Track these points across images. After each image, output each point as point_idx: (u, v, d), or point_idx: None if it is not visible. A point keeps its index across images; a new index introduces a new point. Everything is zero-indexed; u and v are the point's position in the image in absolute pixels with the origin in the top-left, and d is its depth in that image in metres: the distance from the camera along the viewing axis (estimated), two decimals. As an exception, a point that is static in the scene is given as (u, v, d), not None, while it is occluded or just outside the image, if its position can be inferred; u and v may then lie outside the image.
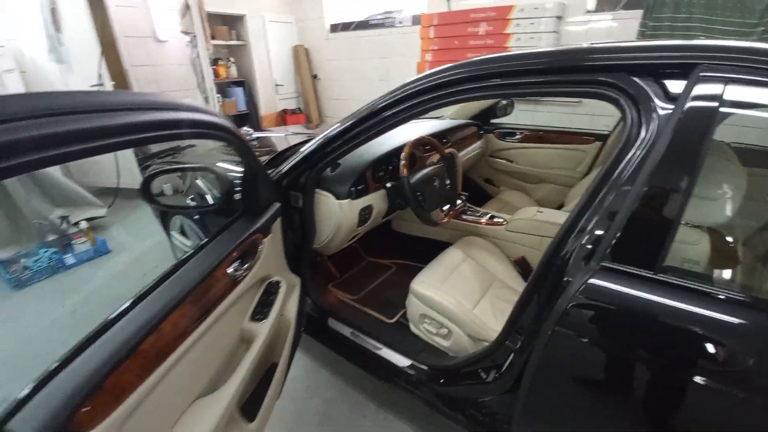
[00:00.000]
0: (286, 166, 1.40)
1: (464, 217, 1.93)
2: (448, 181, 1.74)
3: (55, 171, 3.11)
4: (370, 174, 1.56)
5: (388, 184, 1.58)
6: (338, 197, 1.43)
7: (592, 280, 0.82)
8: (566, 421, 0.96)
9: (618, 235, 0.81)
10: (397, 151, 1.63)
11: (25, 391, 0.56)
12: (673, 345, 0.75)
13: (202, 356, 0.89)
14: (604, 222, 0.85)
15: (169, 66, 4.40)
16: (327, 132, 1.31)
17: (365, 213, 1.52)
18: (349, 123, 1.25)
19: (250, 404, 1.09)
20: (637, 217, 0.80)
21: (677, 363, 0.76)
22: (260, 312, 1.10)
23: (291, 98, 6.02)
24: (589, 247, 0.87)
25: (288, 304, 1.30)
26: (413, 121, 1.93)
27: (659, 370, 0.78)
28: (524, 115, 2.67)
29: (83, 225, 2.94)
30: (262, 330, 1.05)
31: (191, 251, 0.96)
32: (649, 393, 0.79)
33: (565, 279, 0.89)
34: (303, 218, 1.43)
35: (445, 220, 1.72)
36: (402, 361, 1.43)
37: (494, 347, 1.14)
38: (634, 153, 0.84)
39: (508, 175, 2.56)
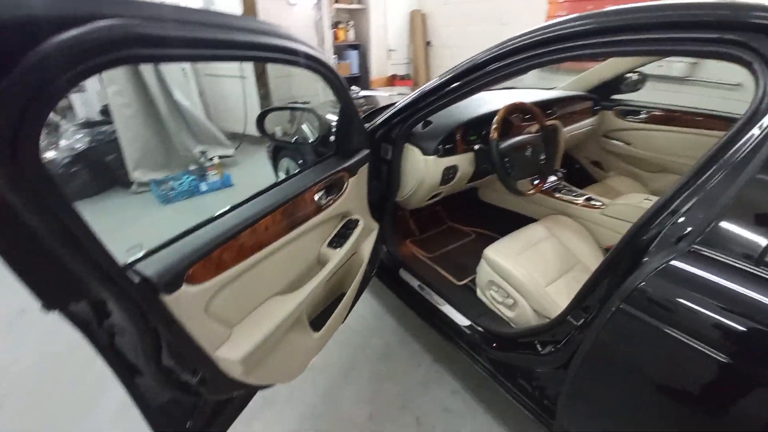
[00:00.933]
0: (380, 119, 1.48)
1: (557, 194, 1.81)
2: (543, 155, 1.65)
3: (200, 114, 3.73)
4: (461, 135, 1.56)
5: (476, 146, 1.56)
6: (425, 153, 1.47)
7: (675, 262, 0.74)
8: (613, 407, 0.91)
9: (722, 218, 0.71)
10: (492, 115, 1.59)
11: (154, 246, 0.76)
12: (758, 348, 0.66)
13: (284, 262, 1.05)
14: (707, 203, 0.75)
15: (295, 28, 4.80)
16: (424, 87, 1.34)
17: (449, 173, 1.54)
18: (448, 77, 1.26)
19: (318, 320, 1.25)
20: (751, 202, 0.69)
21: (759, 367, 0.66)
22: (336, 241, 1.23)
23: (402, 64, 6.08)
24: (682, 227, 0.78)
25: (363, 243, 1.42)
26: (520, 90, 1.84)
27: (734, 371, 0.69)
28: (659, 96, 2.29)
29: (216, 160, 3.51)
30: (336, 257, 1.18)
31: (289, 176, 1.12)
32: (715, 394, 0.71)
33: (644, 259, 0.82)
34: (390, 169, 1.51)
35: (531, 191, 1.64)
36: (461, 320, 1.47)
37: (556, 322, 1.10)
38: (763, 127, 0.71)
39: (622, 159, 2.28)
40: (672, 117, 2.04)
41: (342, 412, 1.51)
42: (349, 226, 1.28)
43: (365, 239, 1.42)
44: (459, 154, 1.55)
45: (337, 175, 1.19)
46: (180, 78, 3.59)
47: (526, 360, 1.21)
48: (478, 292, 1.59)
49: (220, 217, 0.88)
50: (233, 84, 4.21)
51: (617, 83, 2.19)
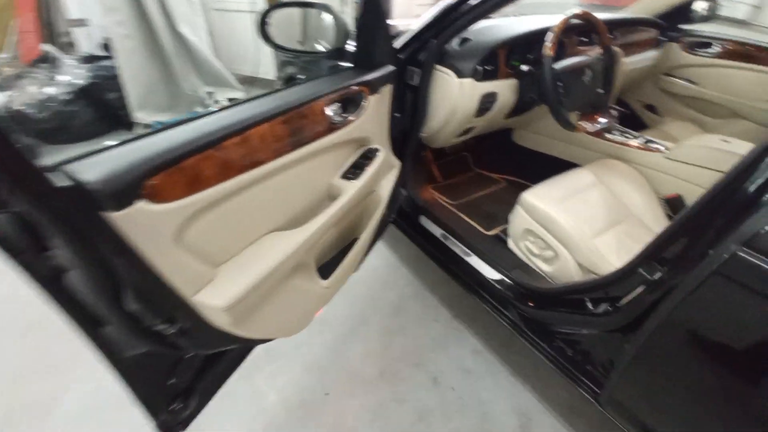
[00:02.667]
0: (405, 37, 1.22)
1: (608, 136, 1.54)
2: (600, 86, 1.37)
3: (208, 52, 3.45)
4: (503, 56, 1.29)
5: (525, 67, 1.29)
6: (460, 75, 1.22)
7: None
8: (700, 383, 0.72)
9: None
10: (542, 34, 1.30)
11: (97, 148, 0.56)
12: None
13: (286, 189, 0.86)
14: None
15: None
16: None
17: (487, 101, 1.28)
18: None
19: (326, 267, 1.08)
20: None
21: None
22: (352, 173, 1.03)
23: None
24: None
25: (382, 181, 1.21)
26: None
27: None
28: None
29: (224, 102, 3.28)
30: (350, 189, 0.98)
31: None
32: None
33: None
34: (417, 98, 1.27)
35: (588, 125, 1.38)
36: (491, 273, 1.28)
37: (621, 274, 0.90)
38: None
39: (684, 102, 1.96)
40: (750, 54, 1.70)
41: (351, 367, 1.38)
42: (367, 156, 1.07)
43: (385, 177, 1.22)
44: (501, 79, 1.29)
45: (355, 89, 0.96)
46: (186, 10, 3.29)
47: (571, 320, 1.02)
48: (510, 243, 1.38)
49: (197, 119, 0.67)
50: (243, 20, 3.88)
51: (687, 9, 1.83)
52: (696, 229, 0.73)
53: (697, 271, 0.65)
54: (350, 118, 0.97)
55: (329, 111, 0.90)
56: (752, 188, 0.63)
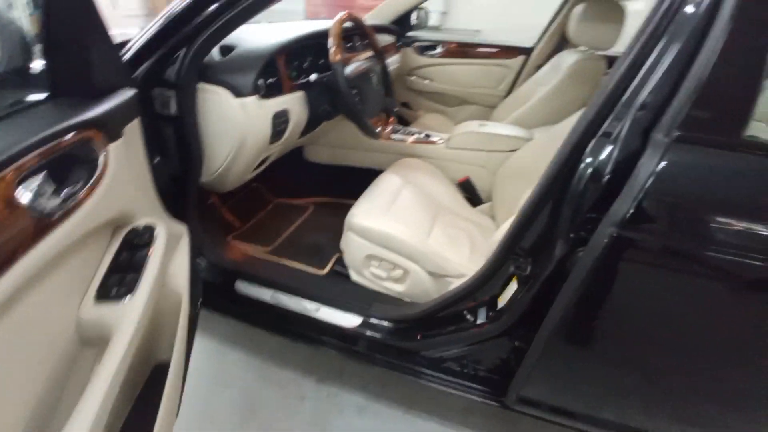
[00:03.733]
0: (136, 44, 0.82)
1: (394, 137, 1.58)
2: (383, 87, 1.35)
3: None
4: (284, 65, 1.06)
5: (312, 77, 1.10)
6: (238, 93, 0.92)
7: (669, 158, 0.56)
8: (608, 360, 0.76)
9: (701, 91, 0.56)
10: (317, 37, 1.15)
11: None
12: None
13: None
14: (670, 80, 0.59)
15: None
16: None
17: (281, 121, 1.04)
18: None
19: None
20: (727, 67, 0.55)
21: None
22: (118, 283, 0.59)
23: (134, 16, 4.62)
24: (649, 116, 0.61)
25: (173, 265, 0.79)
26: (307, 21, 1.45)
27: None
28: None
29: None
30: (126, 316, 0.55)
31: None
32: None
33: (614, 164, 0.63)
34: (181, 132, 0.89)
35: (388, 129, 1.34)
36: (351, 320, 1.08)
37: (488, 273, 0.86)
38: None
39: (426, 96, 2.27)
40: (465, 51, 2.11)
41: None
42: (136, 244, 0.65)
43: (174, 257, 0.80)
44: (287, 93, 1.06)
45: (73, 138, 0.53)
46: None
47: (453, 339, 0.95)
48: (353, 275, 1.22)
49: None
50: None
51: (408, 20, 2.10)
52: (551, 216, 0.75)
53: (582, 258, 0.64)
54: (79, 192, 0.54)
55: (26, 194, 0.45)
56: (591, 169, 0.65)
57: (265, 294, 1.14)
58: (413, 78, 2.21)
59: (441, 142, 1.56)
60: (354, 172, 1.65)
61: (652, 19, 0.62)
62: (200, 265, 1.12)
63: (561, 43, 1.88)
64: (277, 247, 1.38)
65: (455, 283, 1.11)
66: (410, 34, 2.16)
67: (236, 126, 0.93)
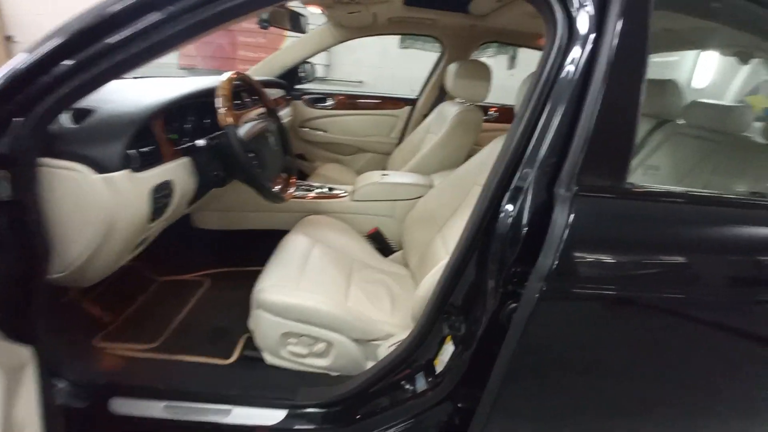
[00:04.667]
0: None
1: (296, 193, 1.50)
2: (273, 143, 1.26)
3: None
4: (161, 129, 0.90)
5: (200, 142, 0.95)
6: (102, 168, 0.73)
7: (576, 210, 0.60)
8: (552, 400, 0.76)
9: (588, 149, 0.62)
10: (197, 97, 1.03)
11: None
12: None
13: None
14: (561, 139, 0.65)
15: None
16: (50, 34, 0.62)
17: (163, 194, 0.87)
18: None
19: None
20: (605, 124, 0.63)
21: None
22: None
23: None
24: (549, 172, 0.66)
25: (17, 410, 0.56)
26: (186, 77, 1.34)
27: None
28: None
29: None
30: None
31: None
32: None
33: (529, 218, 0.65)
34: (20, 221, 0.67)
35: (291, 190, 1.23)
36: (272, 416, 0.91)
37: (420, 336, 0.82)
38: (576, 61, 0.66)
39: (322, 147, 2.25)
40: (355, 102, 2.17)
41: None
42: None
43: (17, 396, 0.56)
44: (169, 161, 0.90)
45: None
46: None
47: (395, 413, 0.86)
48: (268, 358, 1.06)
49: None
50: None
51: (295, 73, 2.09)
52: (477, 272, 0.74)
53: (517, 314, 0.64)
54: None
55: None
56: (508, 223, 0.67)
57: (155, 408, 0.90)
58: (306, 129, 2.18)
59: (345, 195, 1.53)
60: (253, 235, 1.49)
61: (537, 83, 0.69)
62: (59, 391, 0.84)
63: (441, 95, 2.07)
64: (166, 340, 1.13)
65: (383, 346, 1.04)
66: (299, 86, 2.14)
67: (101, 208, 0.73)
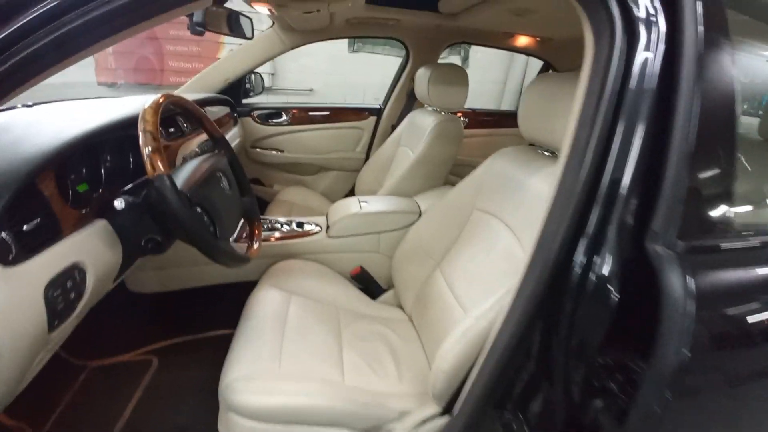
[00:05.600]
0: None
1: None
2: (227, 184, 0.98)
3: None
4: (54, 186, 0.61)
5: (120, 202, 0.67)
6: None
7: (696, 277, 0.43)
8: None
9: (690, 182, 0.45)
10: (112, 131, 0.74)
11: None
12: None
13: None
14: (645, 170, 0.48)
15: None
16: None
17: (66, 287, 0.58)
18: None
19: None
20: (706, 149, 0.46)
21: None
22: None
23: None
24: (635, 220, 0.48)
25: None
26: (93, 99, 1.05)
27: None
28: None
29: None
30: None
31: None
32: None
33: (618, 282, 0.47)
34: None
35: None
36: None
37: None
38: (645, 58, 0.49)
39: (280, 168, 1.97)
40: (313, 116, 1.91)
41: None
42: None
43: None
44: (70, 232, 0.61)
45: None
46: None
47: None
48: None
49: None
50: None
51: (241, 86, 1.79)
52: (544, 358, 0.55)
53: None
54: None
55: None
56: (591, 289, 0.48)
57: None
58: (258, 150, 1.89)
59: (319, 230, 1.29)
60: (209, 293, 1.20)
61: (596, 99, 0.50)
62: None
63: (409, 103, 1.88)
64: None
65: (398, 429, 0.83)
66: (246, 101, 1.85)
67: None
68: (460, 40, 1.79)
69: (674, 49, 0.48)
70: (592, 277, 0.48)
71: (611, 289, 0.48)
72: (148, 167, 0.62)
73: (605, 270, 0.48)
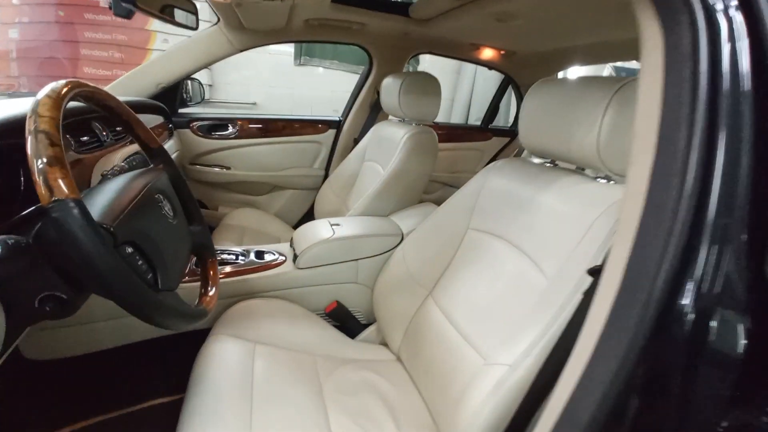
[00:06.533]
0: None
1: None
2: (170, 210, 0.74)
3: None
4: None
5: None
6: None
7: None
8: None
9: None
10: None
11: None
12: None
13: None
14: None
15: None
16: None
17: None
18: None
19: None
20: None
21: None
22: None
23: None
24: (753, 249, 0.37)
25: None
26: None
27: None
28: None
29: None
30: None
31: None
32: None
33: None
34: None
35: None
36: None
37: None
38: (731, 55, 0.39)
39: (226, 188, 1.72)
40: (265, 129, 1.69)
41: None
42: None
43: None
44: None
45: None
46: None
47: None
48: None
49: None
50: None
51: (176, 94, 1.53)
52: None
53: None
54: None
55: None
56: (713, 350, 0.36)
57: None
58: (199, 167, 1.63)
59: (284, 260, 1.08)
60: (144, 349, 0.93)
61: (680, 104, 0.40)
62: None
63: (372, 115, 1.75)
64: None
65: None
66: (184, 111, 1.59)
67: None
68: (426, 49, 1.71)
69: (759, 42, 0.39)
70: (710, 320, 0.36)
71: (735, 329, 0.36)
72: (41, 189, 0.40)
73: (725, 308, 0.36)
